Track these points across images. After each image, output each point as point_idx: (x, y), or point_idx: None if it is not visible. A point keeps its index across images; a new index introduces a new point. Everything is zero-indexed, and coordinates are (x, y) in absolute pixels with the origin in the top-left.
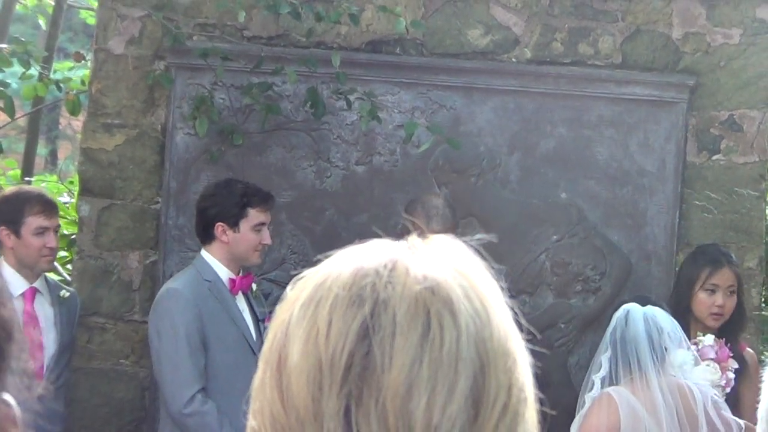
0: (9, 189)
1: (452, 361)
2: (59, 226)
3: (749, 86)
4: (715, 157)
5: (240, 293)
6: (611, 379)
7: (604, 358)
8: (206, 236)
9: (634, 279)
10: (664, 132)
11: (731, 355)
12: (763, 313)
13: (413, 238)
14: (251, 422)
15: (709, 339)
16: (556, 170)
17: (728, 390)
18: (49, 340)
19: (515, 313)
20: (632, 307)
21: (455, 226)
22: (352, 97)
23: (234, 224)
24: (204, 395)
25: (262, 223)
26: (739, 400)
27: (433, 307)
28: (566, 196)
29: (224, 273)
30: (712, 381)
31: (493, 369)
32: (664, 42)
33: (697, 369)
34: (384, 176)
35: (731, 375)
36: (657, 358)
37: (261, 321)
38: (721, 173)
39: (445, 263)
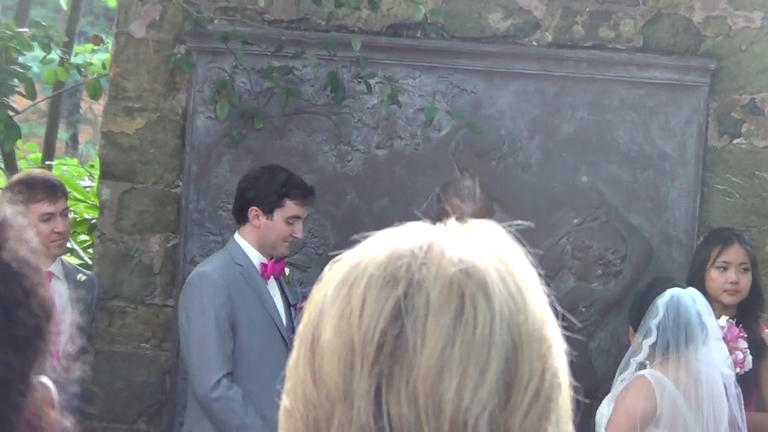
0: (15, 176)
1: (485, 344)
2: (67, 208)
3: None
4: (736, 141)
5: (272, 278)
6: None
7: (646, 342)
8: (240, 217)
9: (655, 263)
10: (685, 116)
11: (742, 335)
12: None
13: (451, 222)
14: (284, 401)
15: (721, 320)
16: (577, 154)
17: (744, 370)
18: (65, 324)
19: (552, 300)
20: (679, 292)
21: (489, 208)
22: (372, 81)
23: (268, 211)
24: (230, 380)
25: (297, 217)
26: (759, 381)
27: (467, 289)
28: (587, 180)
29: (256, 257)
30: (718, 360)
31: (526, 353)
32: (686, 25)
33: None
34: (405, 160)
35: (740, 355)
36: (703, 341)
37: (293, 306)
38: (743, 157)
39: (482, 247)
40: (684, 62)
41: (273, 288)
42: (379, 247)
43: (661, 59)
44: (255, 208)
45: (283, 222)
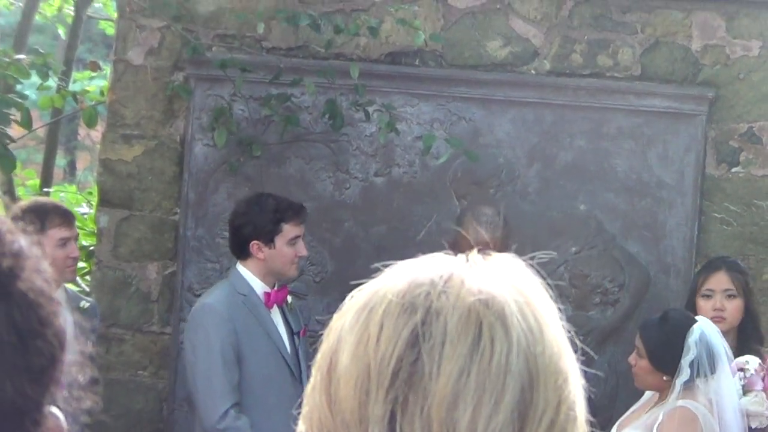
0: (23, 202)
1: (501, 374)
2: (78, 235)
3: None
4: (734, 170)
5: (275, 306)
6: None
7: (679, 381)
8: (242, 253)
9: (653, 291)
10: (683, 144)
11: None
12: None
13: (473, 254)
14: (300, 426)
15: (754, 363)
16: (575, 182)
17: None
18: (69, 351)
19: (570, 334)
20: (704, 327)
21: (509, 236)
22: (370, 109)
23: (269, 241)
24: (237, 410)
25: (297, 236)
26: None
27: (485, 319)
28: (585, 208)
29: (259, 287)
30: (760, 412)
31: (542, 385)
32: (684, 54)
33: (744, 400)
34: (403, 188)
35: None
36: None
37: (296, 334)
38: (740, 185)
39: (502, 279)
40: (682, 91)
41: (276, 316)
42: (399, 275)
43: (659, 88)
44: (256, 242)
45: (285, 246)
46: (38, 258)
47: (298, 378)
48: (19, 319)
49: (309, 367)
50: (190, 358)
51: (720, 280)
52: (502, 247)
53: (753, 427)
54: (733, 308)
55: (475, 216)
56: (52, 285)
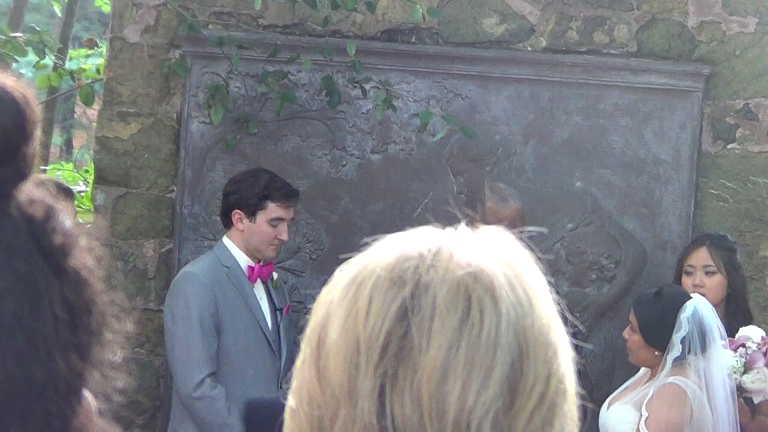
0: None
1: (490, 347)
2: (76, 212)
3: (765, 75)
4: (730, 146)
5: (259, 281)
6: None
7: (670, 357)
8: (225, 221)
9: (649, 268)
10: (679, 121)
11: None
12: None
13: (462, 227)
14: (290, 401)
15: (756, 336)
16: (571, 159)
17: None
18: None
19: (561, 308)
20: (698, 304)
21: (523, 212)
22: (367, 86)
23: (251, 214)
24: (214, 380)
25: (281, 219)
26: None
27: (474, 292)
28: (581, 185)
29: (243, 260)
30: (764, 389)
31: (532, 358)
32: (680, 30)
33: (745, 377)
34: (399, 165)
35: None
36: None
37: (279, 310)
38: (737, 162)
39: (491, 252)
40: (678, 67)
41: (260, 291)
42: (388, 249)
43: (655, 64)
44: (238, 211)
45: (266, 224)
46: (87, 236)
47: (278, 354)
48: (71, 296)
49: (291, 344)
50: (169, 326)
51: (700, 256)
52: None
53: (756, 401)
54: (713, 284)
55: (497, 194)
56: (99, 263)
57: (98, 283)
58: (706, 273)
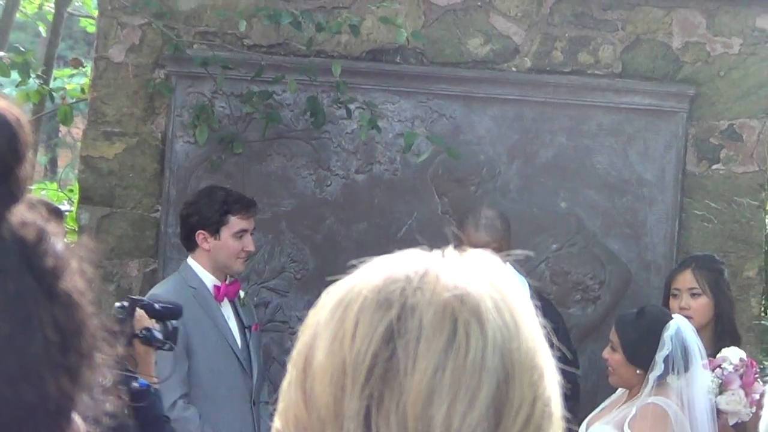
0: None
1: (476, 370)
2: (66, 232)
3: (749, 96)
4: (714, 167)
5: (226, 301)
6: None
7: (652, 376)
8: (189, 244)
9: (634, 288)
10: (663, 141)
11: (757, 375)
12: (762, 322)
13: (449, 250)
14: (276, 423)
15: (735, 357)
16: (556, 179)
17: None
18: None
19: (547, 331)
20: (680, 323)
21: (506, 241)
22: (352, 106)
23: (215, 231)
24: (186, 401)
25: (244, 230)
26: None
27: (461, 315)
28: (566, 206)
29: (209, 280)
30: (739, 411)
31: (518, 381)
32: (664, 51)
33: (720, 398)
34: (384, 185)
35: (756, 397)
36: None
37: (247, 328)
38: (721, 183)
39: (477, 275)
40: (663, 88)
41: (227, 310)
42: (374, 271)
43: (639, 85)
44: (201, 231)
45: (231, 239)
46: (79, 259)
47: (249, 372)
48: (62, 318)
49: (261, 362)
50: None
51: (685, 279)
52: (501, 250)
53: (731, 423)
54: (699, 306)
55: (474, 218)
56: (90, 286)
57: (89, 305)
58: (692, 295)
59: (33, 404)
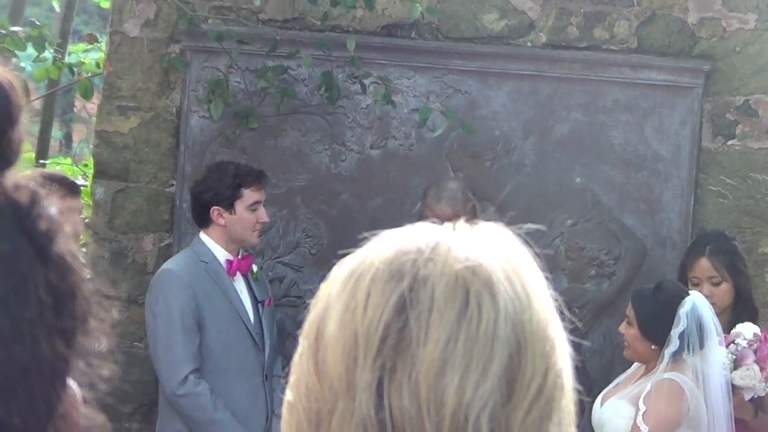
0: (29, 173)
1: (488, 341)
2: (82, 207)
3: (765, 71)
4: (730, 143)
5: (239, 275)
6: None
7: (668, 351)
8: (203, 221)
9: (649, 264)
10: (679, 117)
11: None
12: None
13: (460, 223)
14: (287, 395)
15: (748, 333)
16: (571, 155)
17: None
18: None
19: (559, 303)
20: (696, 300)
21: (472, 212)
22: (367, 81)
23: (229, 206)
24: (197, 376)
25: (258, 202)
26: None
27: (473, 286)
28: (581, 181)
29: (222, 254)
30: (754, 386)
31: (530, 352)
32: (680, 27)
33: (734, 373)
34: (399, 160)
35: None
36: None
37: (260, 303)
38: (736, 158)
39: (489, 247)
40: (678, 63)
41: (240, 284)
42: (386, 244)
43: (655, 60)
44: (216, 207)
45: (246, 211)
46: (71, 222)
47: (261, 347)
48: (55, 281)
49: (274, 337)
50: (151, 324)
51: (703, 268)
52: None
53: (747, 398)
54: (721, 293)
55: (437, 191)
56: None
57: (82, 270)
58: (713, 284)
59: (27, 366)
